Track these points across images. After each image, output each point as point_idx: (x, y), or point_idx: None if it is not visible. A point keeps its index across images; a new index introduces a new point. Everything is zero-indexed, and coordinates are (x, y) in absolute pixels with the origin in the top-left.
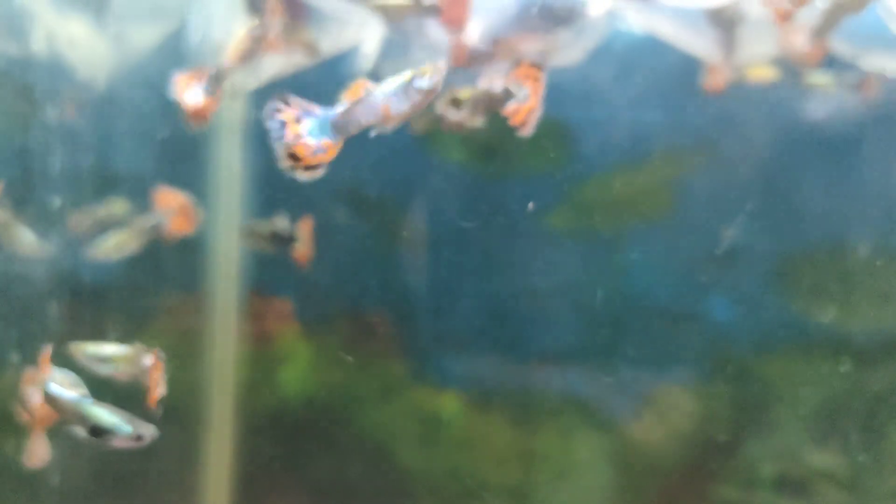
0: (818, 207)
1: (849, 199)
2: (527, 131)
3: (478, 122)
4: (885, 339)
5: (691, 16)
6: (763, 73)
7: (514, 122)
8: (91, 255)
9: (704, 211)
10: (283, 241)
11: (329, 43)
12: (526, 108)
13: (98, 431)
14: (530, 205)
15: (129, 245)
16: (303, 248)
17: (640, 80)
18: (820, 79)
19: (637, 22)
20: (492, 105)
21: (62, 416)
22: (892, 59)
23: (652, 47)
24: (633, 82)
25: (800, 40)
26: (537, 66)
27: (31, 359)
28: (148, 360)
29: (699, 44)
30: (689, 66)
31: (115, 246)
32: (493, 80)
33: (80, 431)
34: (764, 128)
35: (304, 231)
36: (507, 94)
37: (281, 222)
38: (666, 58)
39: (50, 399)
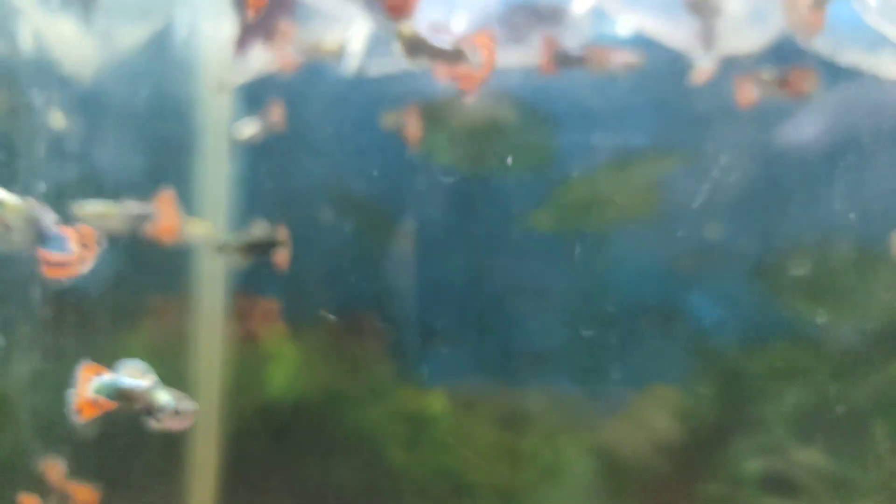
0: (801, 205)
1: (831, 197)
2: (471, 98)
3: (413, 63)
4: (867, 335)
5: (671, 8)
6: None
7: (462, 85)
8: (72, 213)
9: (689, 209)
10: (266, 248)
11: (315, 41)
12: (478, 74)
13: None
14: (508, 159)
15: (110, 220)
16: (285, 252)
17: (624, 80)
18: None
19: (620, 19)
20: (434, 55)
21: (132, 406)
22: (868, 55)
23: (636, 47)
24: (617, 83)
25: (804, 8)
26: (492, 36)
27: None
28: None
29: (679, 37)
30: (673, 66)
31: (97, 214)
32: (444, 35)
33: (146, 417)
34: (748, 127)
35: (284, 236)
36: (458, 55)
37: (259, 230)
38: (650, 57)
39: (124, 393)
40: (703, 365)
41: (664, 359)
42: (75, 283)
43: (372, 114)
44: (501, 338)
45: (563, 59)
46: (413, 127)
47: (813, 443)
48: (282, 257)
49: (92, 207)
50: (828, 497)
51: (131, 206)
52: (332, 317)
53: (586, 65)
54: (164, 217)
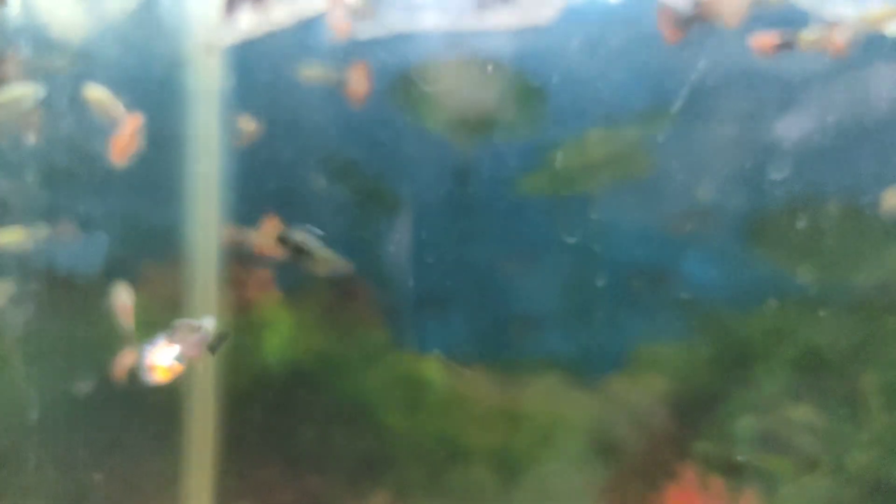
0: (792, 164)
1: (822, 154)
2: None
3: None
4: (857, 292)
5: None
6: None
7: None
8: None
9: (681, 171)
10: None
11: (304, 3)
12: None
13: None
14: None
15: (102, 105)
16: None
17: (614, 40)
18: None
19: None
20: None
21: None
22: (854, 5)
23: (627, 9)
24: (608, 43)
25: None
26: None
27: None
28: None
29: None
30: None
31: (97, 97)
32: None
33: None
34: (738, 85)
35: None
36: None
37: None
38: (641, 17)
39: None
40: (698, 326)
41: (659, 321)
42: (68, 252)
43: None
44: (496, 302)
45: (684, 22)
46: (358, 83)
47: (806, 400)
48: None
49: (97, 92)
50: (821, 454)
51: (118, 109)
52: (319, 231)
53: (704, 19)
54: (122, 133)
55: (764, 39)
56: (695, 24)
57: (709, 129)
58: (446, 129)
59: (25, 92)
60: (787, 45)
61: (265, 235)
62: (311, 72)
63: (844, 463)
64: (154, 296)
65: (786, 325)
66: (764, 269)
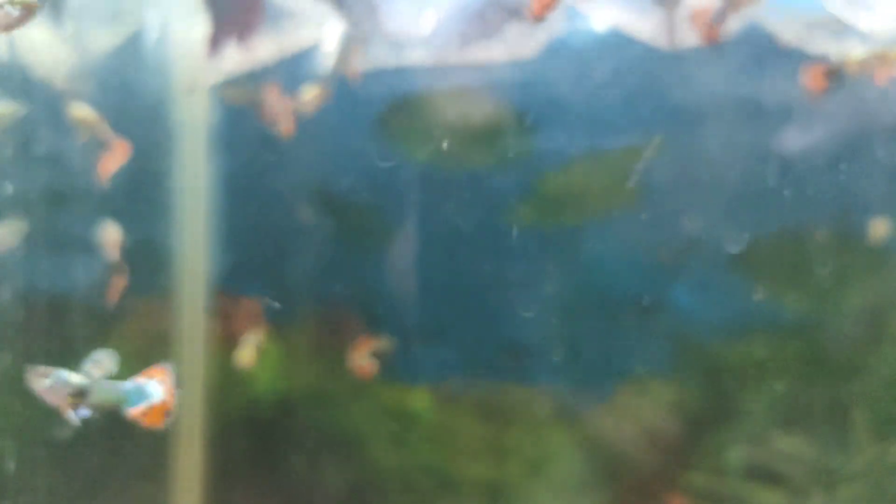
0: (779, 194)
1: (808, 184)
2: None
3: None
4: (847, 322)
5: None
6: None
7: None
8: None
9: (666, 201)
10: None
11: (288, 41)
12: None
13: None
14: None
15: (89, 125)
16: None
17: (598, 74)
18: None
19: (593, 13)
20: None
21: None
22: (834, 42)
23: (609, 42)
24: (592, 77)
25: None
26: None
27: None
28: None
29: (647, 29)
30: (646, 60)
31: (83, 116)
32: None
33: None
34: (721, 117)
35: None
36: None
37: None
38: (624, 52)
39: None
40: (686, 356)
41: (647, 351)
42: (56, 285)
43: (350, 112)
44: (484, 333)
45: (717, 18)
46: (272, 106)
47: (796, 432)
48: None
49: (83, 111)
50: (811, 485)
51: (104, 129)
52: (276, 304)
53: (736, 9)
54: (111, 156)
55: (814, 71)
56: (728, 16)
57: (694, 158)
58: (433, 161)
59: (5, 110)
60: (834, 73)
61: (361, 355)
62: (231, 93)
63: (835, 493)
64: (143, 329)
65: (775, 357)
66: (754, 300)
